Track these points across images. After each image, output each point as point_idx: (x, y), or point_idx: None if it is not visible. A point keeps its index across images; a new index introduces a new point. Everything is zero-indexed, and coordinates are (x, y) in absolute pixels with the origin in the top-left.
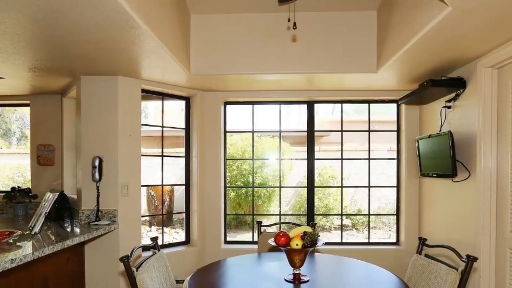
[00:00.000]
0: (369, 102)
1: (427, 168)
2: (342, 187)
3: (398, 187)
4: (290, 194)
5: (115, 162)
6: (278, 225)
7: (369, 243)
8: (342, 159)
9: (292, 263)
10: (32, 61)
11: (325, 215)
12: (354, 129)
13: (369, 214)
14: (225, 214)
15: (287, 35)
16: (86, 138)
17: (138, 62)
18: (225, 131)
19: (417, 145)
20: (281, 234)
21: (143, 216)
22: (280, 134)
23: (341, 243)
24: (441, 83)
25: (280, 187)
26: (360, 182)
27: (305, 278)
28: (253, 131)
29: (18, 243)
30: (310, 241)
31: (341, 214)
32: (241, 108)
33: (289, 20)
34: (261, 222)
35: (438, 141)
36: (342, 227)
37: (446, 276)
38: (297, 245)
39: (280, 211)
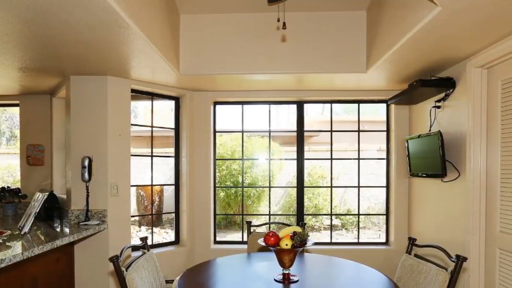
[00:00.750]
0: (358, 102)
1: (416, 168)
2: (331, 187)
3: (387, 187)
4: (280, 194)
5: (104, 162)
6: (268, 225)
7: (358, 243)
8: (331, 159)
9: (281, 263)
10: (22, 61)
11: (314, 215)
12: (343, 129)
13: (358, 214)
14: (215, 214)
15: (277, 35)
16: (76, 138)
17: (127, 62)
18: (215, 131)
19: (406, 145)
20: (270, 234)
21: (132, 216)
22: (269, 134)
23: (331, 243)
24: (430, 83)
25: (270, 187)
26: (350, 182)
27: (295, 278)
28: (242, 131)
29: (7, 243)
30: (299, 241)
31: (331, 214)
32: (230, 108)
33: (278, 20)
34: (250, 222)
35: (428, 141)
36: (331, 227)
37: (436, 276)
38: (286, 245)
39: (269, 211)
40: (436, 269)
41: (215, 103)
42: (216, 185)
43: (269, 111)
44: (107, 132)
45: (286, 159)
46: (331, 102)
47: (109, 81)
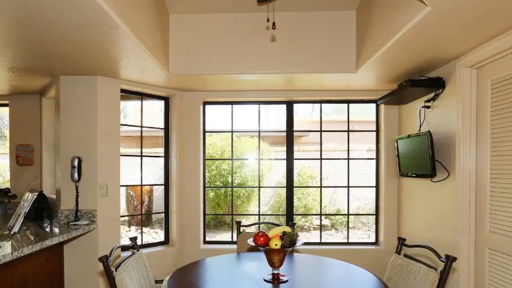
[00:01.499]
0: (348, 102)
1: (406, 168)
2: (321, 187)
3: (377, 187)
4: (269, 194)
5: (94, 162)
6: (257, 225)
7: (348, 243)
8: (321, 159)
9: (271, 263)
10: (11, 61)
11: (304, 215)
12: (333, 129)
13: (348, 214)
14: (204, 214)
15: (266, 35)
16: (65, 138)
17: (117, 62)
18: (204, 131)
19: (396, 145)
20: (260, 234)
21: (122, 216)
22: (259, 134)
23: (320, 243)
24: (420, 83)
25: (259, 187)
26: (339, 182)
27: (284, 278)
28: (232, 131)
29: None
30: (289, 241)
31: (320, 214)
32: (220, 108)
33: (268, 20)
34: (240, 222)
35: (417, 141)
36: (321, 227)
37: (425, 276)
38: (276, 245)
39: (259, 211)
40: (426, 269)
41: (205, 103)
42: (206, 185)
43: (259, 111)
44: (96, 132)
45: (275, 159)
46: (321, 102)
47: (99, 81)
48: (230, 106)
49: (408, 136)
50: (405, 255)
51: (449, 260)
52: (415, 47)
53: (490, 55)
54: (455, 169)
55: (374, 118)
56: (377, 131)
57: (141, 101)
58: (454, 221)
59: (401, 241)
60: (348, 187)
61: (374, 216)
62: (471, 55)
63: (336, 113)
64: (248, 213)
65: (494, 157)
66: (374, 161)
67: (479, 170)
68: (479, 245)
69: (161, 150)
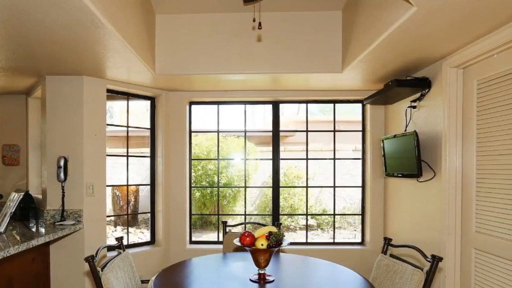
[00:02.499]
0: (334, 102)
1: (392, 168)
2: (307, 187)
3: (363, 187)
4: (255, 194)
5: (80, 162)
6: (243, 225)
7: (334, 243)
8: (307, 159)
9: (257, 263)
10: None
11: (290, 215)
12: (319, 129)
13: (334, 214)
14: (190, 214)
15: (252, 35)
16: (51, 138)
17: (103, 62)
18: (190, 131)
19: (382, 145)
20: (246, 234)
21: (108, 216)
22: (245, 134)
23: (306, 243)
24: (406, 83)
25: (245, 187)
26: (325, 182)
27: (270, 278)
28: (218, 131)
29: None
30: (275, 241)
31: (306, 214)
32: (206, 108)
33: (254, 20)
34: (226, 222)
35: (403, 141)
36: (307, 227)
37: (411, 276)
38: (262, 245)
39: (245, 211)
40: (412, 269)
41: (191, 103)
42: (192, 185)
43: (245, 111)
44: (82, 132)
45: (261, 159)
46: (307, 102)
47: (85, 81)
48: (216, 106)
49: (394, 136)
50: (391, 255)
51: (435, 260)
52: (401, 47)
53: (476, 55)
54: (441, 169)
55: (360, 118)
56: (363, 131)
57: (127, 101)
58: (440, 221)
59: (387, 241)
60: (334, 187)
61: (360, 216)
62: (457, 55)
63: (322, 113)
64: (234, 213)
65: (480, 157)
66: (360, 161)
67: (465, 170)
68: (465, 245)
69: (147, 150)
